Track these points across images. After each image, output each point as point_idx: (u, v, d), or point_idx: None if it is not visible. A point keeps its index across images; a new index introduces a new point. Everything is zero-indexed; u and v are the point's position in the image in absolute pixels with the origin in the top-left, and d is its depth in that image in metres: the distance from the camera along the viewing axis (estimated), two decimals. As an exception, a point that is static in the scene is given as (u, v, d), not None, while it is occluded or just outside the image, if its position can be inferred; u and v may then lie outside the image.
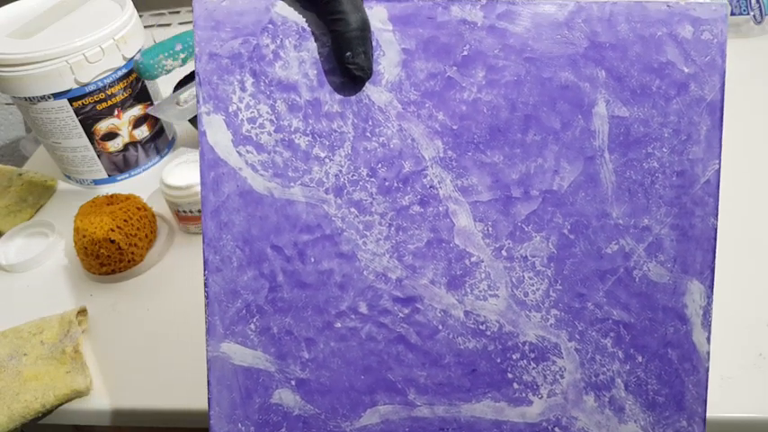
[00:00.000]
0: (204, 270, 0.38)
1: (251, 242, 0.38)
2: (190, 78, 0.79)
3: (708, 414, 0.43)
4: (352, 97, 0.38)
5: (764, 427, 0.46)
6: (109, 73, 0.71)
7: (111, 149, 0.76)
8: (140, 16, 0.77)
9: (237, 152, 0.37)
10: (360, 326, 0.38)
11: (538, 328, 0.38)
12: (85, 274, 0.67)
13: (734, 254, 0.55)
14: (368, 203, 0.38)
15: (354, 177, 0.38)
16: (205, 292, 0.38)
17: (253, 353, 0.38)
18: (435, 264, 0.38)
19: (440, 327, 0.38)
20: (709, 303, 0.38)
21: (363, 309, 0.38)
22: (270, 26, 0.37)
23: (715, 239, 0.38)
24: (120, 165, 0.78)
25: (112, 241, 0.64)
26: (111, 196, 0.68)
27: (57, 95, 0.69)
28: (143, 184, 0.78)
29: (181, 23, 1.07)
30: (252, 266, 0.38)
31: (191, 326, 0.59)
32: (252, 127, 0.37)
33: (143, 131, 0.78)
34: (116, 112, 0.74)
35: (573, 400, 0.38)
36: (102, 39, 0.68)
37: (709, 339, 0.38)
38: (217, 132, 0.37)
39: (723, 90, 0.37)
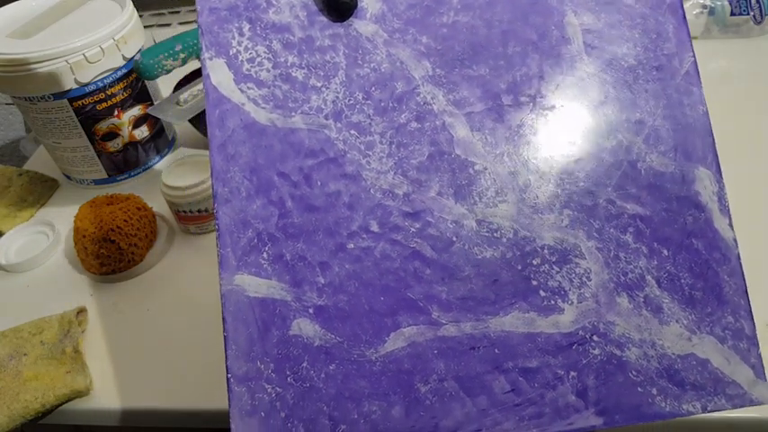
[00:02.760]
0: (213, 203, 0.38)
1: (258, 171, 0.38)
2: (190, 78, 0.79)
3: (707, 413, 0.43)
4: (341, 31, 0.40)
5: (764, 426, 0.46)
6: (109, 73, 0.71)
7: (111, 149, 0.76)
8: (140, 16, 0.77)
9: (239, 89, 0.39)
10: (373, 245, 0.38)
11: (553, 229, 0.38)
12: (85, 274, 0.67)
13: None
14: (366, 124, 0.39)
15: (351, 102, 0.39)
16: (215, 224, 0.38)
17: (267, 282, 0.37)
18: (440, 175, 0.38)
19: (454, 238, 0.38)
20: (722, 188, 0.38)
21: (374, 227, 0.38)
22: None
23: (710, 125, 0.38)
24: (120, 165, 0.78)
25: (112, 241, 0.63)
26: (111, 196, 0.68)
27: (57, 95, 0.69)
28: (143, 184, 0.78)
29: (181, 23, 1.08)
30: (260, 195, 0.38)
31: (191, 326, 0.59)
32: (251, 66, 0.39)
33: (143, 131, 0.78)
34: (116, 112, 0.74)
35: (606, 304, 0.37)
36: (102, 39, 0.68)
37: (731, 225, 0.38)
38: (219, 74, 0.39)
39: None
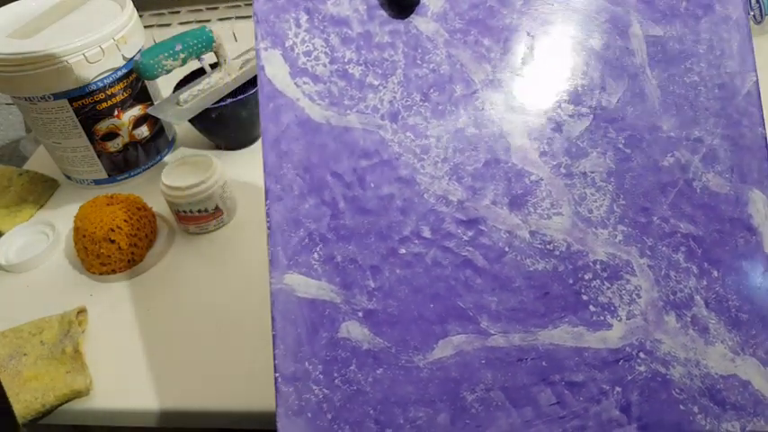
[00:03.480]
0: (266, 200, 0.37)
1: (311, 170, 0.38)
2: (190, 78, 0.79)
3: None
4: (401, 27, 0.39)
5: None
6: (109, 73, 0.71)
7: (111, 149, 0.76)
8: (140, 16, 0.77)
9: (294, 83, 0.38)
10: (424, 251, 0.37)
11: (607, 245, 0.37)
12: (85, 274, 0.67)
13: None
14: (423, 127, 0.38)
15: (408, 103, 0.38)
16: (267, 222, 0.37)
17: (317, 283, 0.37)
18: (495, 184, 0.38)
19: (506, 249, 0.37)
20: None
21: (426, 233, 0.37)
22: None
23: (766, 148, 0.38)
24: (120, 165, 0.78)
25: (112, 241, 0.63)
26: (111, 196, 0.68)
27: (57, 95, 0.69)
28: (143, 184, 0.78)
29: (181, 23, 1.08)
30: (313, 194, 0.37)
31: (190, 325, 0.59)
32: (307, 60, 0.39)
33: (143, 131, 0.77)
34: (116, 112, 0.74)
35: (654, 322, 0.37)
36: (102, 39, 0.68)
37: None
38: (274, 66, 0.38)
39: (746, 10, 0.40)
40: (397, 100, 0.38)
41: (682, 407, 0.36)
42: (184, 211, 0.66)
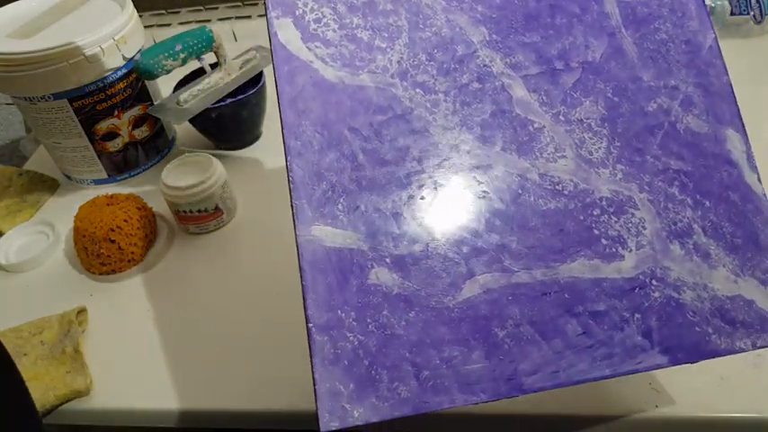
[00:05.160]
0: (286, 156, 0.38)
1: (329, 126, 0.39)
2: (190, 78, 0.79)
3: (706, 414, 0.43)
4: None
5: (762, 426, 0.46)
6: (109, 73, 0.71)
7: (111, 149, 0.76)
8: (140, 16, 0.77)
9: (307, 47, 0.41)
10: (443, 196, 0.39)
11: (609, 182, 0.40)
12: (85, 274, 0.67)
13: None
14: (431, 84, 0.41)
15: (415, 62, 0.41)
16: (289, 177, 0.38)
17: (343, 233, 0.38)
18: (503, 132, 0.41)
19: (519, 191, 0.40)
20: (749, 149, 0.42)
21: (443, 180, 0.39)
22: None
23: (733, 94, 0.43)
24: (120, 165, 0.78)
25: (112, 241, 0.63)
26: (111, 196, 0.68)
27: (57, 95, 0.69)
28: (143, 184, 0.78)
29: (181, 23, 1.08)
30: (332, 148, 0.39)
31: (190, 325, 0.59)
32: (318, 26, 0.41)
33: (143, 131, 0.77)
34: (116, 112, 0.74)
35: (660, 250, 0.39)
36: (102, 39, 0.68)
37: (759, 180, 0.41)
38: (287, 32, 0.41)
39: None
40: (404, 60, 0.41)
41: (697, 328, 0.38)
42: (184, 211, 0.66)
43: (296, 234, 0.37)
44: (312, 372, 0.36)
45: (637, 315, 0.38)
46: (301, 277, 0.37)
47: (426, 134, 0.40)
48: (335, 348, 0.36)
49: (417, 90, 0.41)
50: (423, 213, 0.39)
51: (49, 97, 0.69)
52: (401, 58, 0.41)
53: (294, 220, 0.38)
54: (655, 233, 0.40)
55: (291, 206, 0.38)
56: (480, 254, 0.38)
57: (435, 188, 0.39)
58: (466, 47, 0.42)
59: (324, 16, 0.41)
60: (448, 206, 0.39)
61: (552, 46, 0.42)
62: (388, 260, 0.38)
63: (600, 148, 0.41)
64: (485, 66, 0.42)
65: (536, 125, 0.41)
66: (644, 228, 0.40)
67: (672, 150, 0.41)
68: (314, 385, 0.35)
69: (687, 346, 0.38)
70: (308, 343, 0.36)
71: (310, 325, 0.36)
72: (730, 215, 0.40)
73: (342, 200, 0.38)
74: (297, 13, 0.41)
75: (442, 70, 0.41)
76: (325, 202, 0.38)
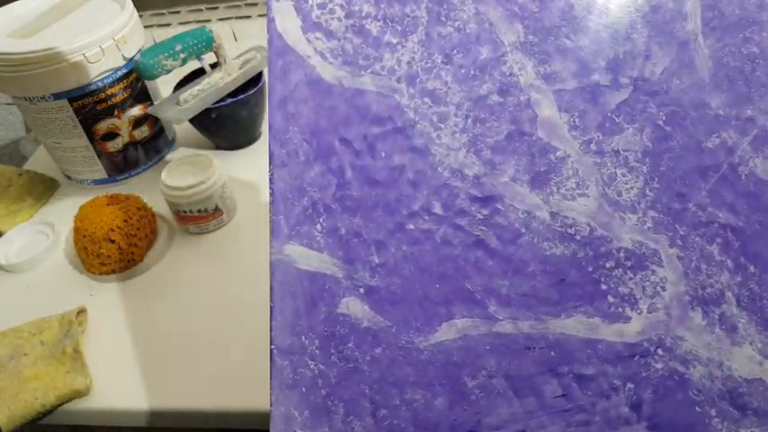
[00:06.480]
0: (269, 165, 0.35)
1: (318, 135, 0.35)
2: (190, 78, 0.79)
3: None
4: None
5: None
6: (109, 73, 0.70)
7: (111, 149, 0.76)
8: (140, 16, 0.77)
9: (306, 39, 0.36)
10: (434, 228, 0.35)
11: (634, 231, 0.34)
12: (85, 274, 0.67)
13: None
14: (442, 93, 0.35)
15: (428, 65, 0.35)
16: (270, 189, 0.35)
17: (319, 255, 0.35)
18: (517, 159, 0.35)
19: (523, 230, 0.35)
20: None
21: (438, 209, 0.35)
22: None
23: None
24: (120, 165, 0.78)
25: (112, 241, 0.63)
26: (111, 196, 0.68)
27: (57, 95, 0.69)
28: (143, 184, 0.78)
29: (181, 23, 1.08)
30: (319, 161, 0.35)
31: (190, 325, 0.58)
32: (322, 12, 0.36)
33: (143, 131, 0.77)
34: (116, 112, 0.73)
35: (677, 317, 0.34)
36: (102, 39, 0.68)
37: None
38: (286, 18, 0.36)
39: None
40: (416, 61, 0.35)
41: (698, 408, 0.34)
42: (184, 211, 0.66)
43: (270, 251, 0.35)
44: (270, 394, 0.34)
45: (630, 384, 0.34)
46: (270, 297, 0.35)
47: (427, 154, 0.35)
48: (294, 374, 0.34)
49: (425, 99, 0.35)
50: (407, 245, 0.35)
51: (49, 97, 0.69)
52: (412, 58, 0.35)
53: (270, 236, 0.35)
54: (676, 297, 0.34)
55: (269, 220, 0.35)
56: (464, 296, 0.34)
57: (426, 217, 0.35)
58: (493, 49, 0.35)
59: (330, 1, 0.36)
60: (436, 239, 0.35)
61: (602, 54, 0.35)
62: (361, 290, 0.35)
63: (633, 188, 0.34)
64: (511, 74, 0.35)
65: (559, 153, 0.35)
66: (663, 289, 0.34)
67: (724, 199, 0.34)
68: (270, 407, 0.34)
69: (680, 427, 0.33)
70: (270, 364, 0.35)
71: (273, 347, 0.34)
72: None
73: (322, 219, 0.35)
74: None
75: (458, 77, 0.35)
76: (304, 221, 0.35)
